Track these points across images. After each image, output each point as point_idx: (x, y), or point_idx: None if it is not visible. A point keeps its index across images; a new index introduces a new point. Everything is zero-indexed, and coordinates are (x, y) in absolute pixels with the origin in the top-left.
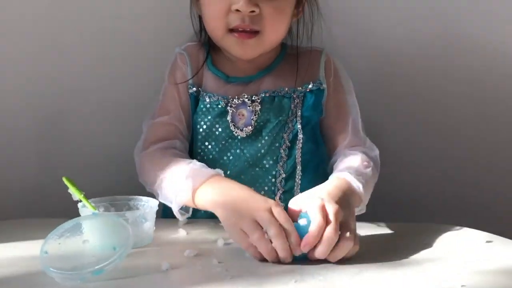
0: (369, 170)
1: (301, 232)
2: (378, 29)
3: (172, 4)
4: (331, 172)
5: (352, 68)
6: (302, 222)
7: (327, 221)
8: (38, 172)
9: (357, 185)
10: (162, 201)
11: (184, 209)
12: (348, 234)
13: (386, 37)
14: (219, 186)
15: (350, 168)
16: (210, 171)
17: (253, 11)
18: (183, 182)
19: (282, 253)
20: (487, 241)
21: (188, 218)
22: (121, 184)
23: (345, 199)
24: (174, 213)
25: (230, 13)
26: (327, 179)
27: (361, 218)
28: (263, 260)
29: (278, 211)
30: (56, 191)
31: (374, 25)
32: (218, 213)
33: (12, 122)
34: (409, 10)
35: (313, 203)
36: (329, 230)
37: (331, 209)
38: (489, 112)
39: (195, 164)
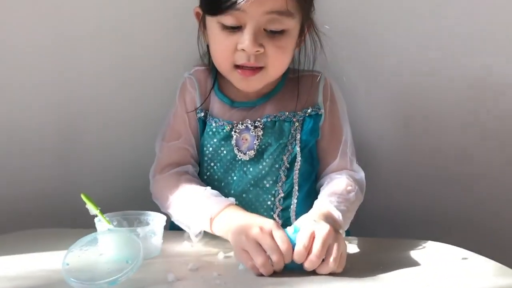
0: (352, 194)
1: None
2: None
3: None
4: (318, 192)
5: (349, 86)
6: (290, 230)
7: (314, 245)
8: (55, 182)
9: (338, 215)
10: (176, 223)
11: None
12: (331, 259)
13: (382, 54)
14: (233, 215)
15: (333, 195)
16: (225, 200)
17: (258, 51)
18: (200, 210)
19: (278, 271)
20: (463, 258)
21: None
22: (134, 192)
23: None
24: (191, 237)
25: (236, 52)
26: None
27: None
28: (261, 275)
29: (278, 235)
30: (73, 202)
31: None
32: (229, 238)
33: (29, 132)
34: (409, 34)
35: (306, 228)
36: (311, 258)
37: (322, 232)
38: (480, 137)
39: (211, 192)
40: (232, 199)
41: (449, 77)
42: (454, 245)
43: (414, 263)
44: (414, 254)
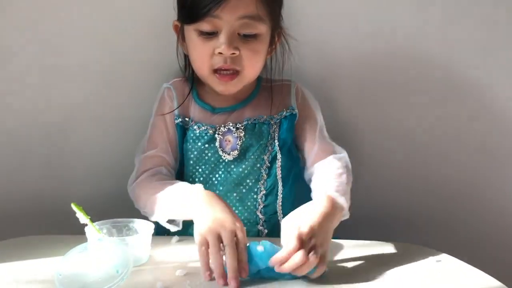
0: (344, 177)
1: (257, 255)
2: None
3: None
4: (309, 182)
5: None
6: (259, 248)
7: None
8: (43, 185)
9: (341, 201)
10: (154, 220)
11: (175, 223)
12: (312, 257)
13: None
14: (203, 199)
15: (330, 183)
16: (193, 186)
17: (233, 53)
18: (171, 198)
19: (230, 272)
20: (437, 261)
21: (180, 235)
22: (123, 194)
23: (323, 222)
24: (164, 225)
25: (213, 56)
26: (304, 189)
27: None
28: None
29: (241, 237)
30: (62, 205)
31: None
32: (195, 222)
33: (16, 137)
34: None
35: (291, 232)
36: (299, 254)
37: (304, 235)
38: (458, 139)
39: (180, 182)
40: (199, 185)
41: (423, 76)
42: (431, 246)
43: (389, 266)
44: (390, 256)
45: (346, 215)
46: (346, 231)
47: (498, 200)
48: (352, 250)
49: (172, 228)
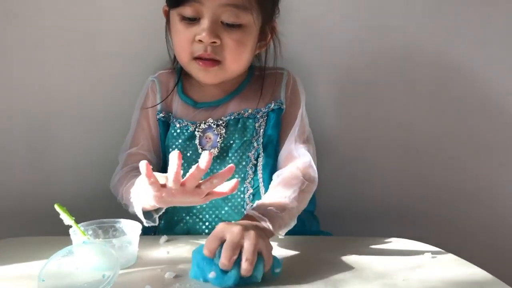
0: (292, 197)
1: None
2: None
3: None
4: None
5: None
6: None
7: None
8: (27, 183)
9: (268, 225)
10: (132, 213)
11: (152, 220)
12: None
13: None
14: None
15: (265, 205)
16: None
17: (214, 42)
18: (137, 192)
19: None
20: (432, 256)
21: (168, 235)
22: (108, 192)
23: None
24: (144, 222)
25: (194, 43)
26: None
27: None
28: None
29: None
30: (46, 204)
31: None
32: None
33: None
34: (363, 26)
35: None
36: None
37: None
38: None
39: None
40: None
41: (418, 70)
42: (425, 241)
43: (383, 261)
44: (384, 251)
45: (281, 235)
46: (340, 227)
47: (491, 195)
48: (346, 245)
49: (146, 224)
